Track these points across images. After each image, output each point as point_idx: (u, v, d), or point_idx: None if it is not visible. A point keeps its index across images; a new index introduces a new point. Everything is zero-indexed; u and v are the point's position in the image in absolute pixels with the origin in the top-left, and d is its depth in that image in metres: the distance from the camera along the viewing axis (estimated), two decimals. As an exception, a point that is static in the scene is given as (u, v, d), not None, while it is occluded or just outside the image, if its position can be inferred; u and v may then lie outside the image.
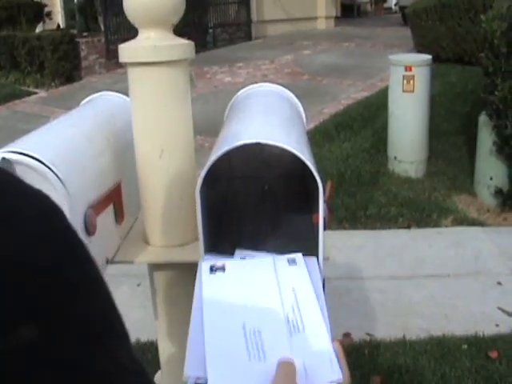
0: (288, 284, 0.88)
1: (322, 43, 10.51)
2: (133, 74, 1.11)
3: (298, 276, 0.91)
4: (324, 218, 0.95)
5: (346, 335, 2.89)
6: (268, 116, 1.15)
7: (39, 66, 9.16)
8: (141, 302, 2.81)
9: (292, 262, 0.93)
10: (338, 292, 3.31)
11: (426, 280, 3.47)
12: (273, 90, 1.40)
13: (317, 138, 5.56)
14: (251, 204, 1.30)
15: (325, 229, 0.98)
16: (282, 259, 0.94)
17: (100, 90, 1.46)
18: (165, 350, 1.29)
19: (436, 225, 4.15)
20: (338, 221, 4.11)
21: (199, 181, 0.94)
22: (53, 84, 9.00)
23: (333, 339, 0.83)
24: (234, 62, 9.31)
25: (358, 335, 2.90)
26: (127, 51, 1.10)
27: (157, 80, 1.10)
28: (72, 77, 9.12)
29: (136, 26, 1.11)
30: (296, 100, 1.41)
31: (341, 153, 5.21)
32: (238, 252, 1.02)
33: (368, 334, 2.91)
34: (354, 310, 3.15)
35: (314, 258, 0.96)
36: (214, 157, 0.92)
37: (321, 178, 0.96)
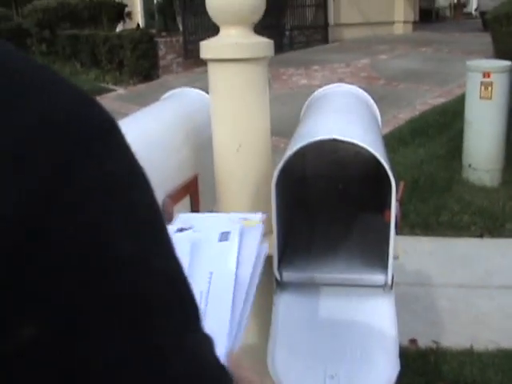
0: (206, 267, 0.74)
1: (399, 48, 10.38)
2: (213, 70, 1.14)
3: (223, 257, 0.76)
4: (396, 217, 0.96)
5: (412, 341, 2.87)
6: (345, 114, 1.17)
7: (118, 64, 9.42)
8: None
9: (224, 237, 0.79)
10: (406, 298, 3.28)
11: (497, 291, 3.39)
12: (350, 91, 1.42)
13: (391, 143, 5.51)
14: (324, 203, 1.32)
15: (396, 227, 0.99)
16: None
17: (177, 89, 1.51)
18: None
19: (510, 235, 4.04)
20: (409, 226, 4.06)
21: (275, 173, 0.97)
22: (131, 82, 9.23)
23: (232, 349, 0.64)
24: (310, 64, 9.31)
25: (424, 342, 2.86)
26: (209, 48, 1.13)
27: (237, 76, 1.13)
28: (150, 75, 9.33)
29: (217, 23, 1.15)
30: (372, 102, 1.43)
31: (415, 158, 5.15)
32: None
33: (434, 342, 2.87)
34: (422, 317, 3.11)
35: (256, 229, 0.81)
36: (290, 151, 0.95)
37: (394, 178, 0.97)
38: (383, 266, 1.00)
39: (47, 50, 10.44)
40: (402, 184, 1.19)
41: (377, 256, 1.03)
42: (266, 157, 1.20)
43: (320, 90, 1.44)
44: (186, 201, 1.23)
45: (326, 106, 1.27)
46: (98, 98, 8.45)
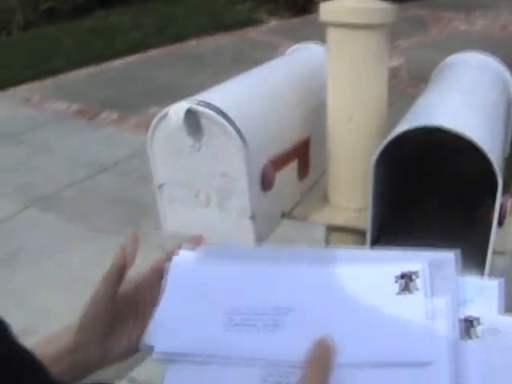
0: None
1: None
2: (332, 34, 1.10)
3: None
4: (500, 216, 0.89)
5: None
6: (467, 96, 1.08)
7: (275, -5, 9.36)
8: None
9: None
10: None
11: None
12: (484, 63, 1.31)
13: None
14: (431, 186, 1.25)
15: (500, 225, 0.92)
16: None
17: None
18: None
19: None
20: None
21: (374, 156, 0.93)
22: (286, 14, 9.15)
23: None
24: (472, 9, 8.77)
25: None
26: (328, 11, 1.08)
27: (354, 43, 1.08)
28: (306, 9, 9.19)
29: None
30: (509, 78, 1.32)
31: None
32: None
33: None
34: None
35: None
36: (392, 135, 0.90)
37: (504, 169, 0.90)
38: (483, 263, 0.94)
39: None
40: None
41: (479, 252, 0.96)
42: (378, 130, 1.14)
43: (450, 57, 1.35)
44: (294, 164, 1.21)
45: (450, 80, 1.18)
46: (251, 29, 8.52)
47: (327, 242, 1.23)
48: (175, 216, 1.11)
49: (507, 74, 1.34)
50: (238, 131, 0.97)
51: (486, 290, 0.64)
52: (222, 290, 0.67)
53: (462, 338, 0.60)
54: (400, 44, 7.09)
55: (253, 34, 8.42)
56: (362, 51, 1.08)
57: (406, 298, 0.61)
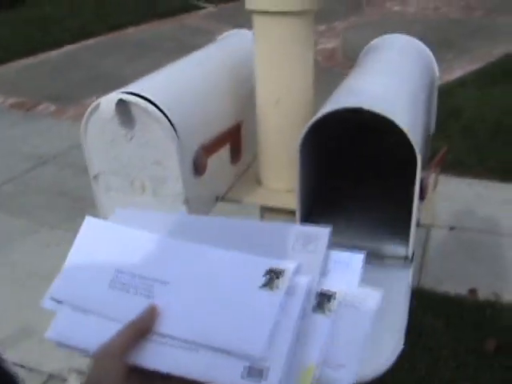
0: None
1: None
2: (257, 21, 1.13)
3: None
4: (422, 190, 0.95)
5: (471, 291, 2.83)
6: (387, 77, 1.13)
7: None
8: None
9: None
10: (472, 245, 3.22)
11: None
12: (406, 44, 1.37)
13: (480, 80, 5.29)
14: (358, 165, 1.30)
15: (422, 199, 0.97)
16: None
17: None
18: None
19: None
20: (488, 171, 3.94)
21: (300, 137, 0.97)
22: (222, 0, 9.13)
23: None
24: (407, -11, 8.93)
25: (483, 294, 2.83)
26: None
27: (280, 30, 1.11)
28: (243, -7, 9.19)
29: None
30: (431, 56, 1.38)
31: (503, 99, 4.92)
32: None
33: (495, 295, 2.82)
34: (485, 267, 3.05)
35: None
36: (316, 116, 0.94)
37: (428, 145, 0.95)
38: (407, 238, 0.99)
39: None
40: (443, 150, 1.16)
41: (405, 226, 1.02)
42: (306, 112, 1.18)
43: (377, 39, 1.40)
44: (226, 149, 1.24)
45: (374, 62, 1.23)
46: (187, 16, 8.47)
47: (261, 220, 1.27)
48: (112, 204, 1.13)
49: (431, 54, 1.39)
50: (169, 120, 0.99)
51: (350, 263, 0.69)
52: (118, 253, 0.74)
53: (314, 311, 0.64)
54: (336, 26, 7.18)
55: (191, 20, 8.38)
56: (287, 37, 1.11)
57: (266, 293, 0.64)
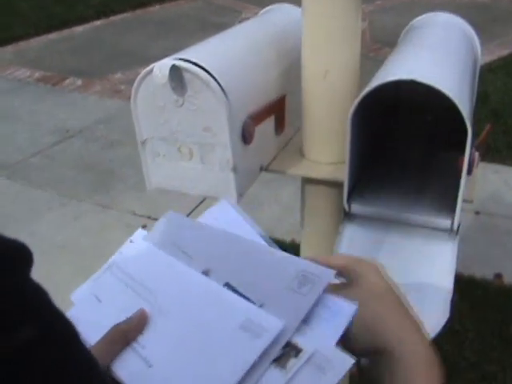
0: None
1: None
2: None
3: None
4: (470, 163, 0.95)
5: (497, 276, 2.83)
6: (434, 52, 1.13)
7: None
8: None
9: None
10: (498, 231, 3.22)
11: None
12: (449, 21, 1.36)
13: (509, 67, 5.26)
14: (408, 139, 1.30)
15: (470, 173, 0.98)
16: None
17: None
18: (305, 255, 1.36)
19: None
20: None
21: (352, 108, 0.97)
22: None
23: None
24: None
25: (509, 279, 2.83)
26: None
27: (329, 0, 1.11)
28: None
29: None
30: (473, 35, 1.37)
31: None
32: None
33: (520, 280, 2.82)
34: (511, 253, 3.05)
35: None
36: (368, 88, 0.94)
37: (475, 121, 0.95)
38: (453, 210, 1.00)
39: None
40: (487, 127, 1.16)
41: (448, 200, 1.02)
42: (353, 85, 1.19)
43: (419, 17, 1.40)
44: (271, 120, 1.25)
45: (419, 39, 1.23)
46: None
47: (303, 193, 1.28)
48: (158, 171, 1.14)
49: (472, 32, 1.39)
50: (221, 87, 1.00)
51: (340, 314, 0.63)
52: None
53: (273, 363, 0.60)
54: (363, 8, 7.12)
55: (217, -1, 8.36)
56: (336, 7, 1.11)
57: (244, 341, 0.62)
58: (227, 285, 0.69)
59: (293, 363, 0.59)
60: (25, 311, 0.38)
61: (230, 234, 0.75)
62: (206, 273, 0.72)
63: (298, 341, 0.61)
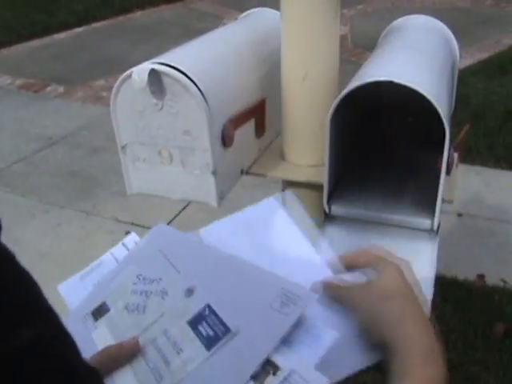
0: None
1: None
2: (285, -5, 1.13)
3: None
4: (448, 164, 0.96)
5: (480, 276, 2.85)
6: (413, 54, 1.14)
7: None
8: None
9: None
10: (481, 232, 3.24)
11: None
12: (428, 24, 1.37)
13: (489, 70, 5.29)
14: (386, 140, 1.31)
15: (448, 173, 0.98)
16: None
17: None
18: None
19: None
20: (495, 159, 3.95)
21: (330, 111, 0.98)
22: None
23: None
24: (416, -22, 8.90)
25: (491, 279, 2.85)
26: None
27: (307, 2, 1.11)
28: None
29: None
30: (452, 37, 1.38)
31: (512, 88, 4.93)
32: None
33: (503, 281, 2.84)
34: (494, 253, 3.07)
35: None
36: (346, 90, 0.95)
37: (451, 123, 0.96)
38: (433, 210, 1.01)
39: None
40: (465, 127, 1.16)
41: (428, 200, 1.03)
42: (333, 88, 1.19)
43: (399, 19, 1.41)
44: (251, 123, 1.25)
45: (399, 41, 1.24)
46: (194, 0, 8.44)
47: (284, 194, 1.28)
48: (139, 175, 1.14)
49: (451, 34, 1.40)
50: (201, 91, 1.01)
51: (322, 338, 0.65)
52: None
53: (251, 380, 0.61)
54: (344, 13, 7.16)
55: (197, 4, 8.36)
56: (315, 9, 1.12)
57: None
58: (208, 306, 0.71)
59: (270, 381, 0.61)
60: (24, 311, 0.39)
61: (219, 252, 0.77)
62: (190, 290, 0.74)
63: (278, 359, 0.63)
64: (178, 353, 0.69)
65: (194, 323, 0.71)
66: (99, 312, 0.80)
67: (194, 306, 0.72)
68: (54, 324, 0.42)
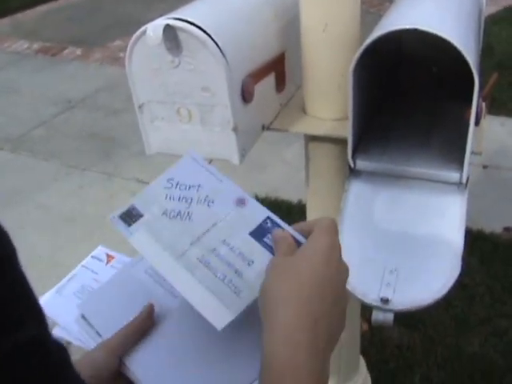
0: None
1: None
2: None
3: None
4: (477, 114, 0.92)
5: (506, 229, 2.81)
6: (437, 1, 1.09)
7: None
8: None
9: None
10: (506, 184, 3.19)
11: None
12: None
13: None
14: (413, 91, 1.27)
15: (477, 124, 0.95)
16: None
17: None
18: (311, 214, 1.34)
19: None
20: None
21: (353, 62, 0.94)
22: None
23: None
24: None
25: (518, 231, 2.81)
26: None
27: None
28: None
29: None
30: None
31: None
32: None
33: (530, 232, 2.80)
34: (520, 206, 3.03)
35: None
36: (369, 40, 0.91)
37: (481, 72, 0.92)
38: (461, 163, 0.97)
39: None
40: (493, 77, 1.12)
41: (456, 153, 1.00)
42: (354, 38, 1.15)
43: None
44: (271, 78, 1.22)
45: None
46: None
47: (307, 152, 1.25)
48: (158, 135, 1.12)
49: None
50: (218, 46, 0.97)
51: None
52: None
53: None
54: (364, -36, 6.99)
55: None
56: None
57: None
58: (269, 218, 0.67)
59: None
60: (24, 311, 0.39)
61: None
62: (241, 200, 0.70)
63: None
64: (249, 264, 0.64)
65: (258, 235, 0.66)
66: (129, 216, 0.70)
67: (252, 218, 0.67)
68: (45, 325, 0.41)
